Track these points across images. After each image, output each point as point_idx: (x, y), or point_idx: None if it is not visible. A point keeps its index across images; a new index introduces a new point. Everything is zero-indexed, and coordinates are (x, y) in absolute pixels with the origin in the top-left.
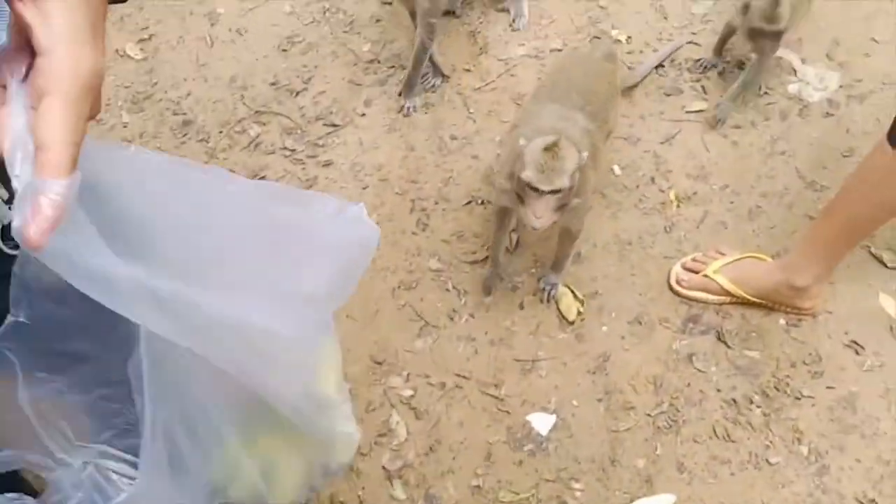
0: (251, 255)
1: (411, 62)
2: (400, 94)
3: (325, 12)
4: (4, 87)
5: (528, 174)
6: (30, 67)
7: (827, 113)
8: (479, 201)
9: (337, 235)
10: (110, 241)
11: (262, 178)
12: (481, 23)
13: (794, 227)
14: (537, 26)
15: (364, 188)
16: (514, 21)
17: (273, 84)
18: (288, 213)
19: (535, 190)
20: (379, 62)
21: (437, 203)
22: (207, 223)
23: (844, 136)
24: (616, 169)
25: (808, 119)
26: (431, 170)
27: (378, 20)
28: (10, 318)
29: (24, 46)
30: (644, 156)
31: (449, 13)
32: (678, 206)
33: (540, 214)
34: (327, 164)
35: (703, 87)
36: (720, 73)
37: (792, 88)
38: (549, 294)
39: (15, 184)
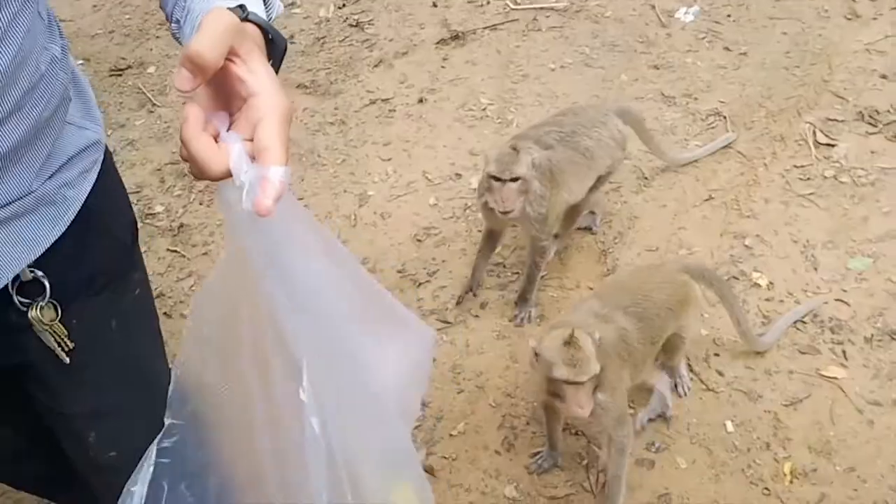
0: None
1: (525, 277)
2: (516, 303)
3: (465, 209)
4: (213, 137)
5: (559, 371)
6: (231, 121)
7: None
8: (573, 431)
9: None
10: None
11: None
12: (616, 243)
13: None
14: (675, 256)
15: (459, 392)
16: (594, 224)
17: (400, 272)
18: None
19: (570, 383)
20: (504, 266)
21: (528, 424)
22: (342, 291)
23: None
24: (728, 425)
25: None
26: (531, 387)
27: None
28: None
29: (222, 108)
30: (763, 416)
31: (586, 229)
32: (791, 481)
33: (583, 404)
34: None
35: (843, 351)
36: (867, 340)
37: None
38: None
39: (242, 179)
